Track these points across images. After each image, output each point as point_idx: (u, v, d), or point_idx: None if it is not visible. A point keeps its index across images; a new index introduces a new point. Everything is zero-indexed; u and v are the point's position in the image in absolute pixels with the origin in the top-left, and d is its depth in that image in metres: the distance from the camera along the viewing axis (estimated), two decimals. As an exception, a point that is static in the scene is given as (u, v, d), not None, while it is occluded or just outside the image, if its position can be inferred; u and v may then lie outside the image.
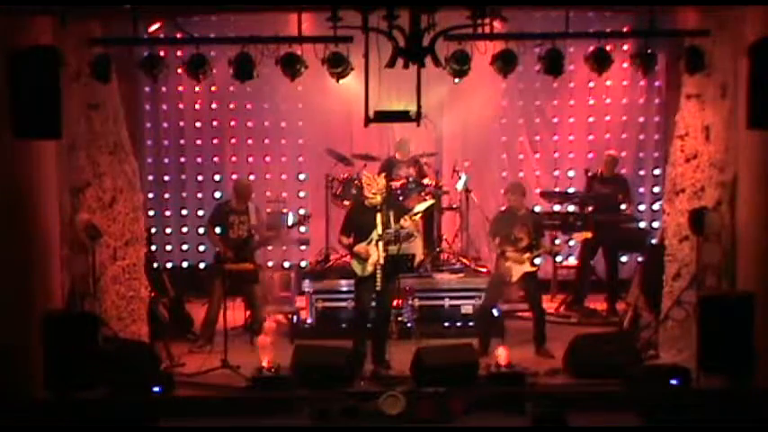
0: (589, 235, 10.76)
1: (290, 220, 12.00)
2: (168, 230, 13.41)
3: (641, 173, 13.15)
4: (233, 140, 13.38)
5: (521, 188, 10.57)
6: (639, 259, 11.92)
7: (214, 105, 13.27)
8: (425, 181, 11.68)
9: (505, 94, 12.93)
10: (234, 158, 13.36)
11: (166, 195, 13.40)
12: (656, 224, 12.76)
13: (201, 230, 12.66)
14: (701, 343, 8.72)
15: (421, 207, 9.53)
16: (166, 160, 13.36)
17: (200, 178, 13.42)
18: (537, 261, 10.42)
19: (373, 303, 9.46)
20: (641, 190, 13.05)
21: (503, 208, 10.77)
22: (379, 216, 9.33)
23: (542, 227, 10.84)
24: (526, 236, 10.18)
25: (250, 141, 13.39)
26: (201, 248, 13.22)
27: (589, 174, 12.09)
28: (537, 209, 12.07)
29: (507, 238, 10.18)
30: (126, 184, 9.90)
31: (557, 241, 11.99)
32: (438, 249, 11.84)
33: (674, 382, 8.84)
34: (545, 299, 11.76)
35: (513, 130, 13.23)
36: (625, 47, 10.98)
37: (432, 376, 9.01)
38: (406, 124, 9.57)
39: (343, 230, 9.74)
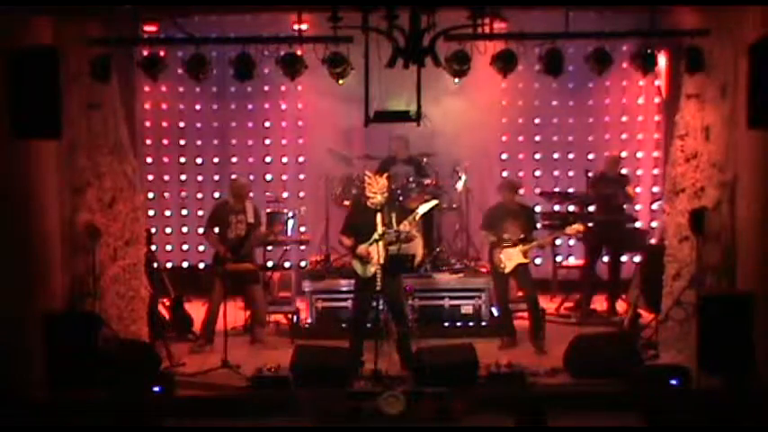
0: (582, 228, 10.72)
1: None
2: (168, 230, 13.42)
3: (640, 173, 13.16)
4: (233, 141, 13.40)
5: (513, 184, 10.86)
6: (639, 259, 11.93)
7: (215, 106, 13.29)
8: (426, 181, 11.68)
9: (505, 94, 12.93)
10: (234, 159, 13.38)
11: (166, 195, 13.41)
12: (655, 224, 12.78)
13: (201, 230, 12.66)
14: (700, 343, 8.71)
15: (424, 208, 9.49)
16: (166, 160, 13.37)
17: (200, 178, 13.43)
18: (533, 256, 10.45)
19: (374, 304, 9.44)
20: (640, 190, 13.04)
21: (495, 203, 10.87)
22: (379, 216, 9.32)
23: (534, 220, 10.92)
24: (518, 229, 10.36)
25: (250, 142, 13.40)
26: (201, 248, 13.22)
27: (590, 174, 12.08)
28: (537, 209, 12.07)
29: (499, 232, 10.35)
30: (126, 184, 9.91)
31: (558, 242, 12.00)
32: (438, 249, 11.84)
33: (674, 382, 8.83)
34: (545, 299, 11.79)
35: (513, 130, 13.24)
36: (624, 47, 10.98)
37: (432, 376, 9.01)
38: (405, 124, 9.58)
39: (343, 231, 9.73)
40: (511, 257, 10.32)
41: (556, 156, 13.30)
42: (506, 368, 9.17)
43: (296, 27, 9.53)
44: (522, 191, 11.66)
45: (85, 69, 8.98)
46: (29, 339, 8.52)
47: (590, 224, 11.31)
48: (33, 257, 8.77)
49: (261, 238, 10.86)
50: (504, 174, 13.07)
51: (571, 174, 13.17)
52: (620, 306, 11.60)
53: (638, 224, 12.38)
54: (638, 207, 12.87)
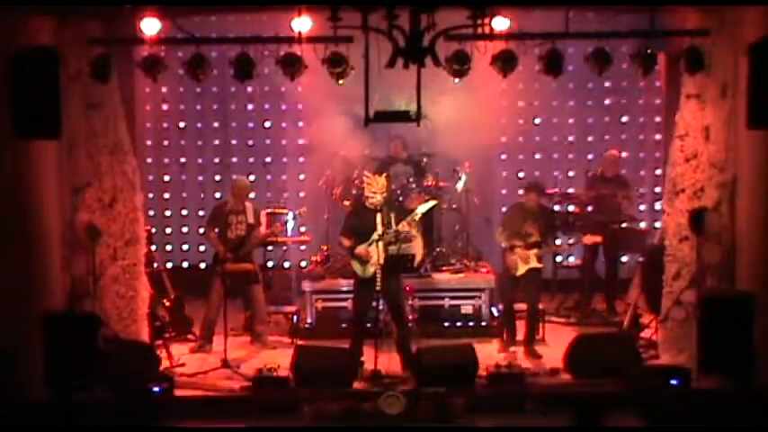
0: (599, 240, 10.77)
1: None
2: (168, 230, 13.44)
3: (641, 173, 13.16)
4: (233, 141, 13.41)
5: (539, 186, 10.74)
6: (639, 259, 11.92)
7: (215, 106, 13.30)
8: (425, 181, 11.68)
9: (505, 94, 12.92)
10: (234, 159, 13.39)
11: (166, 195, 13.43)
12: (656, 224, 12.77)
13: (202, 230, 12.67)
14: (701, 343, 8.71)
15: (423, 208, 9.49)
16: (166, 160, 13.40)
17: (200, 179, 13.46)
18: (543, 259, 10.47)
19: (374, 304, 9.43)
20: (641, 190, 13.05)
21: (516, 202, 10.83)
22: (379, 216, 9.32)
23: (554, 226, 10.88)
24: (536, 232, 10.25)
25: (251, 142, 13.42)
26: (201, 248, 13.24)
27: (589, 174, 12.09)
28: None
29: (517, 232, 10.24)
30: (126, 184, 9.90)
31: (557, 242, 11.99)
32: (438, 249, 11.83)
33: (674, 382, 8.84)
34: (545, 298, 11.78)
35: (512, 130, 13.24)
36: (624, 47, 10.98)
37: (432, 376, 9.01)
38: (405, 124, 9.58)
39: (343, 232, 9.73)
40: (526, 261, 10.22)
41: (556, 156, 13.30)
42: (506, 368, 9.16)
43: (295, 27, 9.51)
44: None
45: (85, 69, 8.99)
46: (29, 339, 8.51)
47: (593, 229, 11.30)
48: (33, 257, 8.77)
49: (261, 239, 10.86)
50: (504, 174, 13.09)
51: (571, 174, 13.18)
52: (620, 306, 11.59)
53: (642, 224, 12.39)
54: (641, 207, 12.89)
